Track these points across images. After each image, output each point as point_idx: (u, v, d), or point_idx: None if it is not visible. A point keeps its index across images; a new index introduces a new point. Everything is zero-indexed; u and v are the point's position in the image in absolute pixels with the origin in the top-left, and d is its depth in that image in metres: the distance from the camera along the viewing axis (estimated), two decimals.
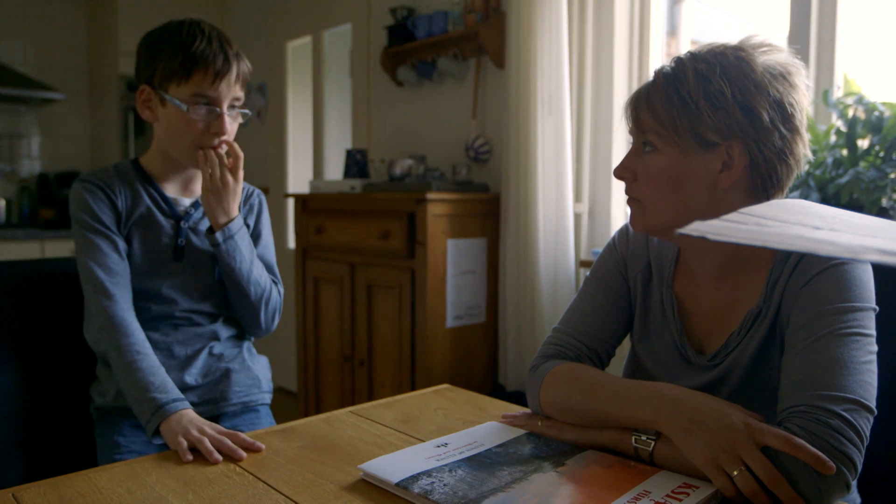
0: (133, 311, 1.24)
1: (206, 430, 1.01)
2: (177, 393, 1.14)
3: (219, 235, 1.28)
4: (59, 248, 3.97)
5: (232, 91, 1.27)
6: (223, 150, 1.29)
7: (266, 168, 4.06)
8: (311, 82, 3.79)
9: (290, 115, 3.95)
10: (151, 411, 1.10)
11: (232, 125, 1.30)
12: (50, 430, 1.35)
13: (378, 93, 3.29)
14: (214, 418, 1.34)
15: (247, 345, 1.43)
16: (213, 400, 1.33)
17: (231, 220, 1.30)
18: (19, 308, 1.34)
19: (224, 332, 1.38)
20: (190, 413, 1.09)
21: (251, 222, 1.44)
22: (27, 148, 4.41)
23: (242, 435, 0.99)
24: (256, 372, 1.40)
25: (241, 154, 1.30)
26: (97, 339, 1.22)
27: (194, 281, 1.33)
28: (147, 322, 1.30)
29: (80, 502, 0.79)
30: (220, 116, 1.26)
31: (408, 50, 2.97)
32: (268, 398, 1.43)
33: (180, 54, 1.22)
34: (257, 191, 1.48)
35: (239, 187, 1.30)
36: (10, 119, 4.33)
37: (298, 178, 3.96)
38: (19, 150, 4.38)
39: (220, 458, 0.94)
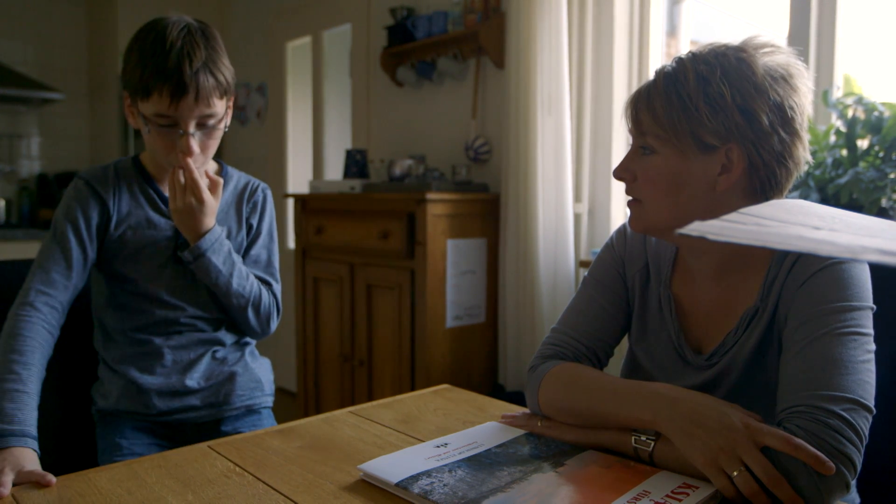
0: (42, 328, 1.15)
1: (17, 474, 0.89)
2: (25, 428, 1.00)
3: (187, 254, 1.24)
4: None
5: (196, 110, 1.17)
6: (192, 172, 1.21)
7: (266, 168, 4.06)
8: (311, 82, 3.79)
9: (289, 115, 3.95)
10: None
11: (206, 142, 1.22)
12: (50, 431, 1.35)
13: (378, 93, 3.28)
14: (217, 422, 1.34)
15: (249, 348, 1.42)
16: (216, 403, 1.33)
17: (201, 237, 1.24)
18: None
19: (228, 337, 1.37)
20: (21, 454, 0.95)
21: (254, 222, 1.39)
22: (27, 148, 4.41)
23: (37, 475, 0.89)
24: (259, 374, 1.39)
25: (195, 174, 1.21)
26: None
27: (195, 283, 1.31)
28: (149, 327, 1.29)
29: (80, 502, 0.79)
30: (183, 137, 1.19)
31: (407, 50, 2.97)
32: (270, 401, 1.42)
33: (139, 70, 1.15)
34: (263, 185, 1.42)
35: (206, 206, 1.22)
36: (10, 119, 4.33)
37: (298, 178, 3.96)
38: (19, 151, 4.38)
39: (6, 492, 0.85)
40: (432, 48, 2.90)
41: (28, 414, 1.03)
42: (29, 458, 0.95)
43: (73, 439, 1.37)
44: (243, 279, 1.31)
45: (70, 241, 1.22)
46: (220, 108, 1.22)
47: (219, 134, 1.25)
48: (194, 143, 1.20)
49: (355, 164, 2.96)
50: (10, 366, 1.08)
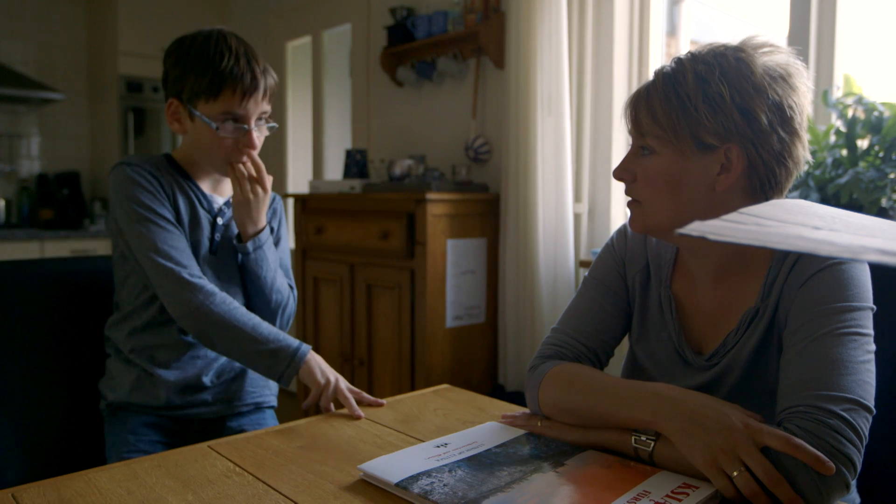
0: (209, 288, 1.23)
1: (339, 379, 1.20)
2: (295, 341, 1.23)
3: (249, 245, 1.30)
4: (58, 248, 3.97)
5: (259, 107, 1.27)
6: (249, 164, 1.30)
7: (266, 168, 4.05)
8: (311, 82, 3.79)
9: (289, 115, 3.95)
10: (286, 361, 1.20)
11: (259, 138, 1.31)
12: (51, 430, 1.35)
13: (378, 93, 3.29)
14: (224, 418, 1.36)
15: None
16: (227, 399, 1.35)
17: (260, 231, 1.32)
18: (20, 308, 1.34)
19: None
20: (317, 357, 1.23)
21: (275, 225, 1.45)
22: (27, 148, 4.41)
23: (367, 396, 1.16)
24: None
25: (262, 165, 1.31)
26: (190, 324, 1.21)
27: (224, 281, 1.33)
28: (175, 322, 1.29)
29: (80, 502, 0.79)
30: (248, 133, 1.27)
31: (407, 50, 2.97)
32: (275, 400, 1.45)
33: (209, 73, 1.22)
34: (277, 196, 1.49)
35: (267, 197, 1.32)
36: (10, 119, 4.33)
37: (298, 178, 3.96)
38: (19, 151, 4.38)
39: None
40: (432, 48, 2.90)
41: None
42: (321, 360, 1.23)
43: (73, 438, 1.37)
44: (282, 277, 1.39)
45: (168, 217, 1.26)
46: (270, 107, 1.33)
47: (267, 132, 1.33)
48: (256, 137, 1.29)
49: (355, 164, 2.96)
50: (234, 314, 1.22)
